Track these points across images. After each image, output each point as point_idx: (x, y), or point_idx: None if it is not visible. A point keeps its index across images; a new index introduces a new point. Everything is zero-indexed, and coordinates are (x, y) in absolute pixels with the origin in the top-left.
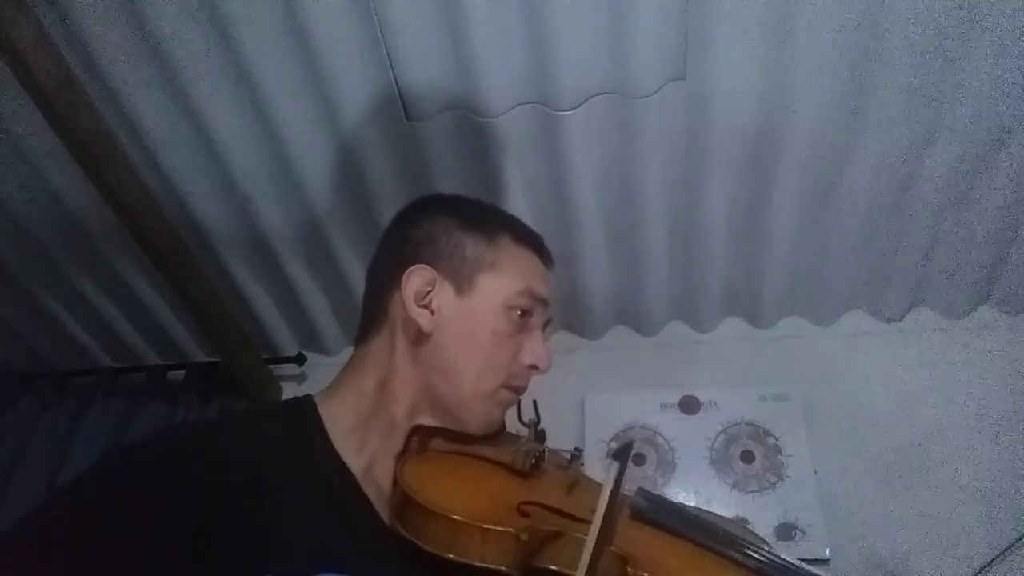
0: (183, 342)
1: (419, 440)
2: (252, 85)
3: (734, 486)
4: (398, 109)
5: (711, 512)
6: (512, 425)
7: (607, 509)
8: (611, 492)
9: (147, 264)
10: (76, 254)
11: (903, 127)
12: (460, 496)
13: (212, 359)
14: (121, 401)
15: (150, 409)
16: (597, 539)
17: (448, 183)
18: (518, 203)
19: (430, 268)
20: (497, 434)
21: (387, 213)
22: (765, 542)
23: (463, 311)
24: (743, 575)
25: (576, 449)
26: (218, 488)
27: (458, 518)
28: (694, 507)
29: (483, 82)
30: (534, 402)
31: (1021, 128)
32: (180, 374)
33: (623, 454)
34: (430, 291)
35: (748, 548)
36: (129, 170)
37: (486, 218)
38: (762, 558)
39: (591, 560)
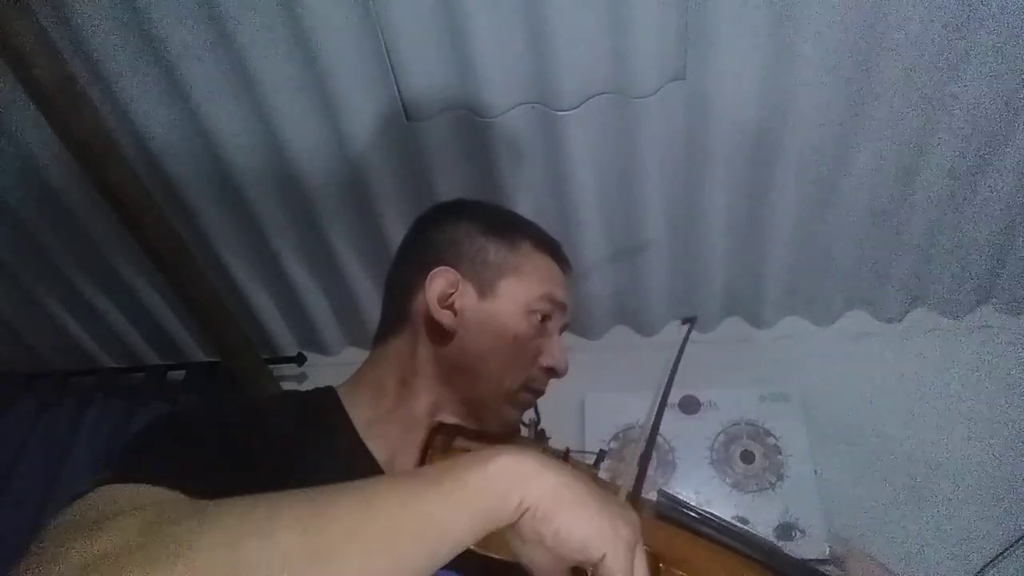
0: (183, 342)
1: (443, 437)
2: (252, 85)
3: (734, 486)
4: (398, 109)
5: (728, 520)
6: None
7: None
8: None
9: (147, 264)
10: (76, 254)
11: (903, 127)
12: None
13: (212, 359)
14: (121, 401)
15: (150, 409)
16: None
17: (448, 183)
18: (518, 203)
19: (453, 271)
20: (514, 438)
21: (387, 213)
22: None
23: (485, 314)
24: (761, 572)
25: (601, 451)
26: (255, 453)
27: None
28: (713, 512)
29: (483, 82)
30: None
31: (1020, 128)
32: (180, 374)
33: (690, 320)
34: (453, 293)
35: (767, 547)
36: (129, 170)
37: (507, 224)
38: (782, 558)
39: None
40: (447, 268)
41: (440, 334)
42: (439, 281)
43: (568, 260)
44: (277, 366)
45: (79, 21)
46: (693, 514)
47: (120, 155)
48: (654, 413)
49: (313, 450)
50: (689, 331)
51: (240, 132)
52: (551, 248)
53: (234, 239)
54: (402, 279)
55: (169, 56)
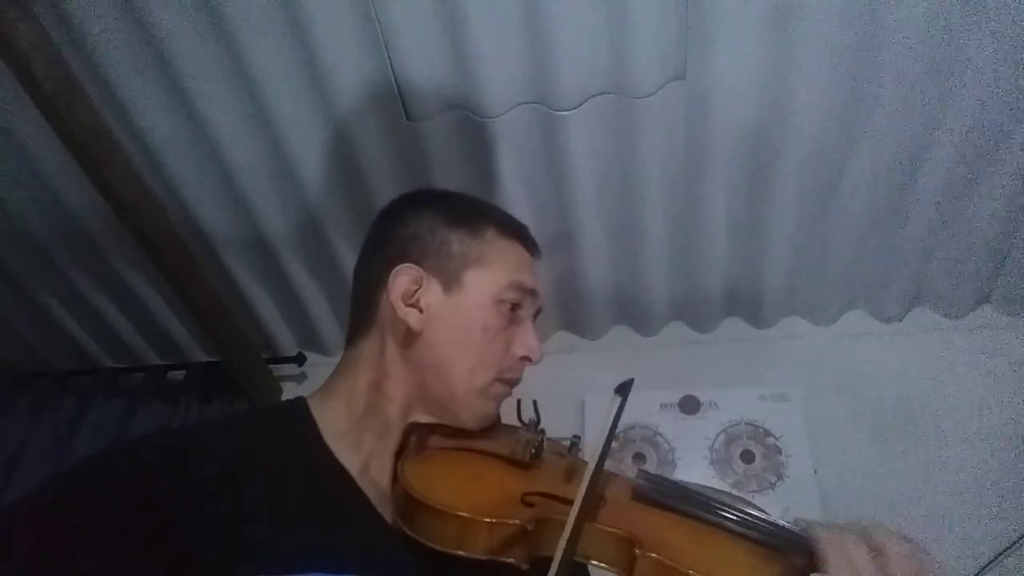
0: (183, 342)
1: (417, 438)
2: (251, 84)
3: (734, 486)
4: (398, 109)
5: (713, 488)
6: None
7: (604, 448)
8: (611, 426)
9: (147, 264)
10: (76, 254)
11: (903, 127)
12: (464, 492)
13: (212, 359)
14: (121, 401)
15: (150, 409)
16: (587, 493)
17: (448, 183)
18: (518, 203)
19: (417, 267)
20: (493, 427)
21: None
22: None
23: (452, 308)
24: (748, 548)
25: (575, 436)
26: (199, 494)
27: (464, 515)
28: (695, 484)
29: (483, 82)
30: (534, 402)
31: (1020, 128)
32: (180, 374)
33: (625, 388)
34: (417, 290)
35: (751, 521)
36: (129, 170)
37: (471, 212)
38: (766, 529)
39: (576, 520)
40: (410, 265)
41: (407, 333)
42: (402, 279)
43: (536, 243)
44: (277, 366)
45: (79, 21)
46: (673, 492)
47: (120, 155)
48: (585, 484)
49: (278, 467)
50: (624, 400)
51: (240, 131)
52: (517, 233)
53: (234, 239)
54: (367, 278)
55: (168, 55)
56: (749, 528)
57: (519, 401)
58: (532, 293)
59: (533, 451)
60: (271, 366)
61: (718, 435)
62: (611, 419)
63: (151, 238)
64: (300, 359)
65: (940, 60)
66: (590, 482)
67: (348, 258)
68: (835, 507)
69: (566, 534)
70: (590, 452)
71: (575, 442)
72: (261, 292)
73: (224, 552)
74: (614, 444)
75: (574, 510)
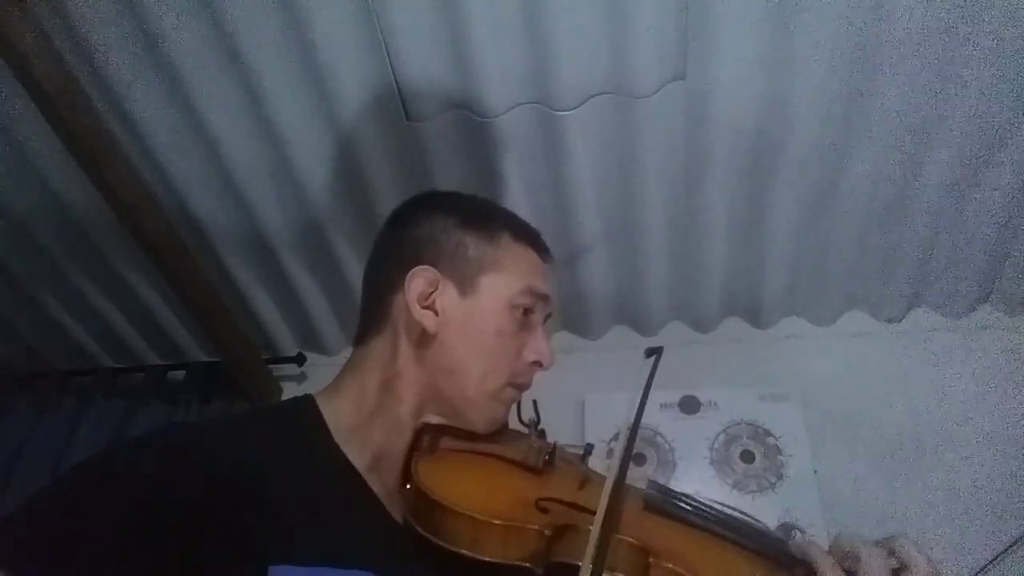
0: (183, 342)
1: (429, 439)
2: (252, 84)
3: (734, 486)
4: (398, 109)
5: (719, 503)
6: (512, 425)
7: (638, 413)
8: (645, 386)
9: (147, 264)
10: (76, 254)
11: (903, 127)
12: (478, 494)
13: (212, 359)
14: (121, 401)
15: (150, 409)
16: (611, 496)
17: (448, 183)
18: (518, 203)
19: (433, 269)
20: (504, 432)
21: (387, 213)
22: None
23: (467, 311)
24: (755, 561)
25: (588, 444)
26: (207, 490)
27: (479, 516)
28: (704, 498)
29: (483, 82)
30: (534, 402)
31: (1020, 127)
32: (180, 374)
33: (656, 352)
34: (433, 292)
35: (757, 534)
36: (129, 170)
37: (485, 216)
38: (771, 543)
39: (602, 531)
40: (426, 267)
41: (422, 335)
42: (418, 281)
43: (548, 248)
44: (277, 366)
45: (79, 21)
46: (685, 504)
47: (120, 155)
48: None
49: (283, 463)
50: (656, 362)
51: (240, 131)
52: (530, 238)
53: (234, 239)
54: (380, 278)
55: (169, 56)
56: (755, 541)
57: (519, 401)
58: (544, 298)
59: (547, 457)
60: (271, 366)
61: (718, 435)
62: (645, 379)
63: (151, 238)
64: (300, 359)
65: (940, 59)
66: (613, 486)
67: (348, 258)
68: (835, 507)
69: (593, 539)
70: (626, 418)
71: (588, 451)
72: (261, 292)
73: (227, 549)
74: (614, 444)
75: (600, 512)
